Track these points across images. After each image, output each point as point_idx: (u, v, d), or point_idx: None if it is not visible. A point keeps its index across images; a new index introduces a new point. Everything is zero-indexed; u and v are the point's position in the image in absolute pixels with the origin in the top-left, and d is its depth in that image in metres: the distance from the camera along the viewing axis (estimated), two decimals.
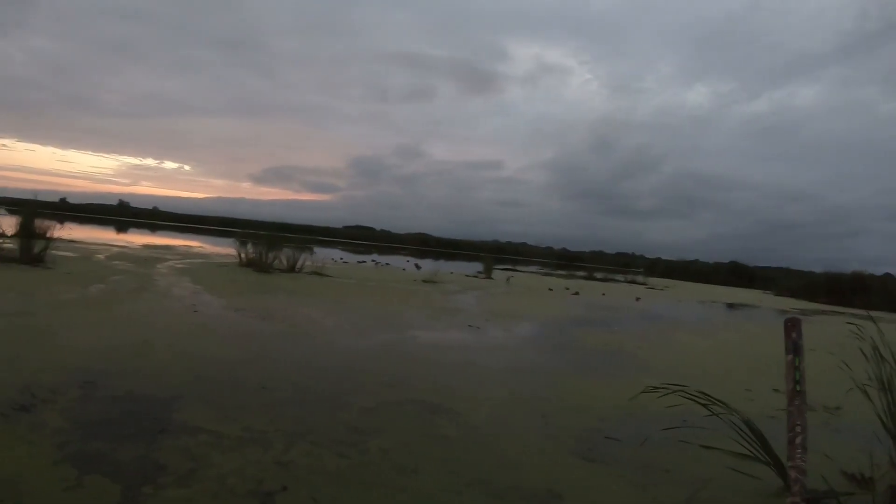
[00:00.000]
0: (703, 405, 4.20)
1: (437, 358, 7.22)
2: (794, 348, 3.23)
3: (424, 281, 19.17)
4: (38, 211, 13.43)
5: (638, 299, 21.92)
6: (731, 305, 24.18)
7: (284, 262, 17.08)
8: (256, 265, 16.42)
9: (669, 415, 4.91)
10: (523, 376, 6.74)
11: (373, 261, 30.48)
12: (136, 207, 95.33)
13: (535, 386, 6.28)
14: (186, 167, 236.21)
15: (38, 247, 12.36)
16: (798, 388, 3.20)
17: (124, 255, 17.87)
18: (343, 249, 44.43)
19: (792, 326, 3.24)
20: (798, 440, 3.09)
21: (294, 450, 3.73)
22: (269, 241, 17.64)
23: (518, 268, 42.83)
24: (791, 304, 27.77)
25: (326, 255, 25.10)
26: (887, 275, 34.63)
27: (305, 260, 17.83)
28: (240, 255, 17.19)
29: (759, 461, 4.06)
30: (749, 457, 4.14)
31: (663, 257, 64.90)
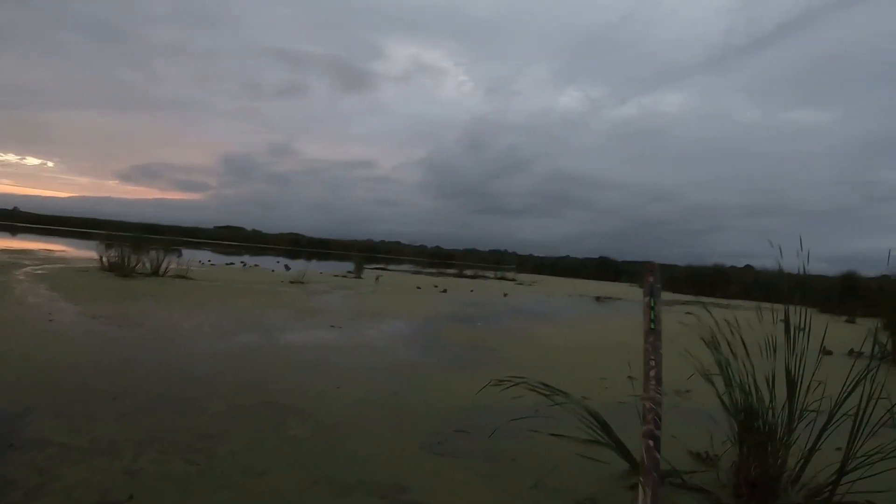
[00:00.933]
0: (545, 395, 4.35)
1: (296, 359, 7.19)
2: (651, 291, 3.46)
3: (292, 282, 18.89)
4: None
5: (506, 295, 22.42)
6: (597, 298, 24.96)
7: (148, 265, 16.44)
8: (118, 269, 15.64)
9: (521, 407, 5.06)
10: (381, 374, 6.82)
11: (241, 262, 29.66)
12: None
13: (393, 383, 6.38)
14: (50, 164, 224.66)
15: None
16: (653, 326, 3.45)
17: None
18: (212, 251, 43.15)
19: (649, 272, 3.45)
20: (652, 374, 3.36)
21: (142, 458, 3.68)
22: (133, 243, 16.94)
23: (390, 267, 42.90)
24: None
25: (194, 258, 24.42)
26: (748, 266, 36.65)
27: (170, 263, 17.24)
28: (101, 258, 16.39)
29: (604, 446, 4.23)
30: (595, 442, 4.37)
31: (535, 254, 66.39)
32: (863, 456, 3.63)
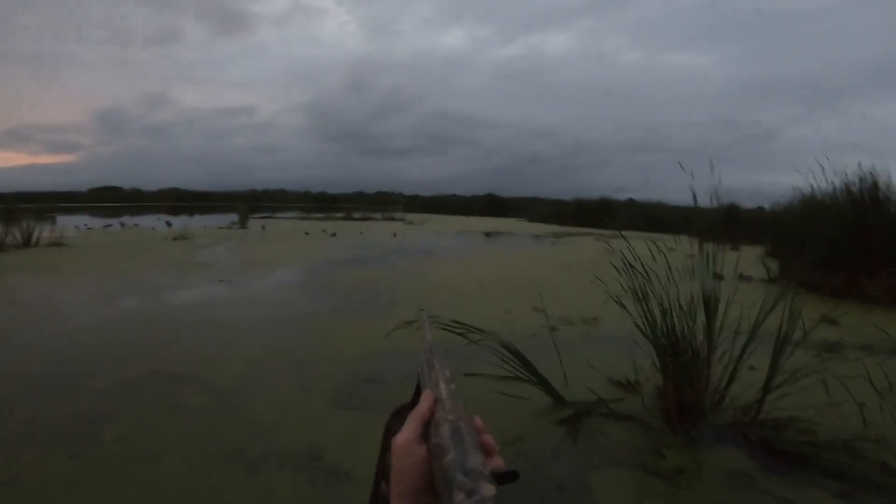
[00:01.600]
0: (460, 334, 4.10)
1: (184, 319, 6.73)
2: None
3: (175, 239, 17.96)
4: None
5: (395, 235, 22.15)
6: (488, 234, 24.97)
7: (18, 237, 15.20)
8: None
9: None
10: (277, 327, 6.48)
11: (120, 223, 28.16)
12: None
13: (290, 336, 6.06)
14: None
15: None
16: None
17: None
18: (91, 215, 40.91)
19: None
20: None
21: (21, 458, 3.25)
22: (2, 214, 15.72)
23: (276, 215, 41.78)
24: (545, 229, 29.27)
25: (71, 223, 23.04)
26: (630, 199, 37.64)
27: (42, 231, 16.00)
28: None
29: (523, 381, 4.05)
30: (515, 378, 4.25)
31: (421, 194, 66.14)
32: (785, 373, 3.68)
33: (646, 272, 4.15)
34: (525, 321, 6.72)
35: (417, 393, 0.87)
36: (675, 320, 3.91)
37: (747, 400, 3.85)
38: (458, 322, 4.18)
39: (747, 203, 21.06)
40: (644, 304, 4.06)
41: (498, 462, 0.66)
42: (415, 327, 4.26)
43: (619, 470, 3.26)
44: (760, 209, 19.74)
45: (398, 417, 0.82)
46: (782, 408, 3.71)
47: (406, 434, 0.71)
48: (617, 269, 4.24)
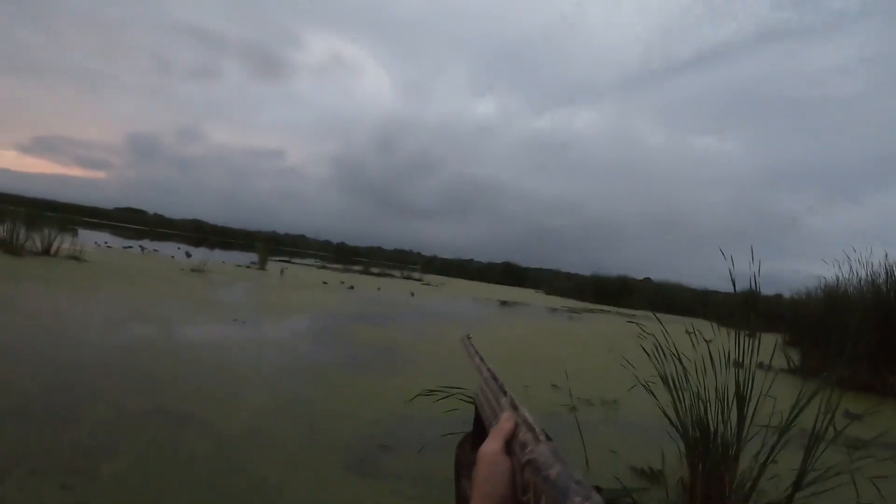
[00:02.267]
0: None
1: (194, 357, 6.50)
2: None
3: (193, 270, 17.86)
4: None
5: (413, 295, 21.94)
6: (504, 303, 24.89)
7: (39, 244, 15.24)
8: (6, 247, 14.43)
9: (448, 418, 4.65)
10: (289, 376, 6.26)
11: (140, 246, 28.11)
12: None
13: (302, 387, 5.84)
14: None
15: None
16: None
17: None
18: (112, 233, 41.07)
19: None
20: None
21: (7, 482, 3.04)
22: (26, 219, 15.68)
23: (294, 260, 41.76)
24: (561, 302, 29.19)
25: (91, 239, 23.11)
26: (647, 279, 37.61)
27: (63, 243, 15.99)
28: None
29: None
30: None
31: (439, 255, 66.16)
32: (816, 471, 3.50)
33: (677, 356, 4.06)
34: (543, 398, 6.51)
35: (478, 421, 0.95)
36: (705, 410, 3.78)
37: (775, 497, 3.68)
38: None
39: (766, 290, 21.02)
40: (675, 391, 3.95)
41: None
42: (436, 396, 4.14)
43: None
44: (779, 296, 19.70)
45: (463, 447, 0.93)
46: None
47: (493, 445, 0.75)
48: (646, 351, 4.08)
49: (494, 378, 0.96)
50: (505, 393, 0.91)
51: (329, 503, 3.31)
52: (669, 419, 3.95)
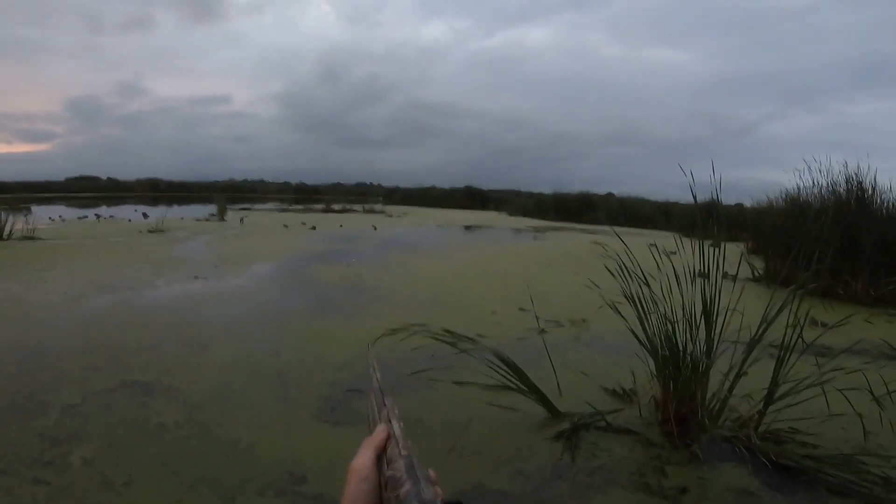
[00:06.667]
0: (450, 343, 3.94)
1: (156, 322, 6.40)
2: None
3: (150, 231, 17.51)
4: None
5: (375, 228, 21.78)
6: (468, 227, 24.75)
7: None
8: None
9: (415, 356, 4.63)
10: (254, 329, 6.24)
11: (96, 215, 27.46)
12: None
13: (268, 339, 5.82)
14: None
15: None
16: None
17: None
18: (68, 205, 39.98)
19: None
20: None
21: None
22: None
23: (255, 206, 41.24)
24: (525, 222, 29.11)
25: (46, 214, 22.56)
26: (609, 194, 37.56)
27: (14, 224, 15.24)
28: None
29: (514, 391, 3.90)
30: (505, 388, 4.07)
31: (400, 185, 65.68)
32: (787, 383, 3.55)
33: (641, 274, 4.04)
34: (512, 323, 6.57)
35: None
36: (673, 328, 3.77)
37: (745, 411, 3.74)
38: (448, 331, 4.02)
39: (726, 199, 21.12)
40: (641, 308, 3.94)
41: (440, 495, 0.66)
42: (401, 335, 4.08)
43: (622, 491, 3.10)
44: (740, 205, 19.83)
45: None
46: (782, 419, 3.59)
47: (363, 459, 0.74)
48: (611, 272, 4.11)
49: (380, 389, 0.97)
50: (385, 405, 0.90)
51: (303, 457, 3.32)
52: (638, 338, 3.95)
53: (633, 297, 3.99)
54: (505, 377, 4.01)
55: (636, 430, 3.81)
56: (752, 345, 3.70)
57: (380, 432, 0.79)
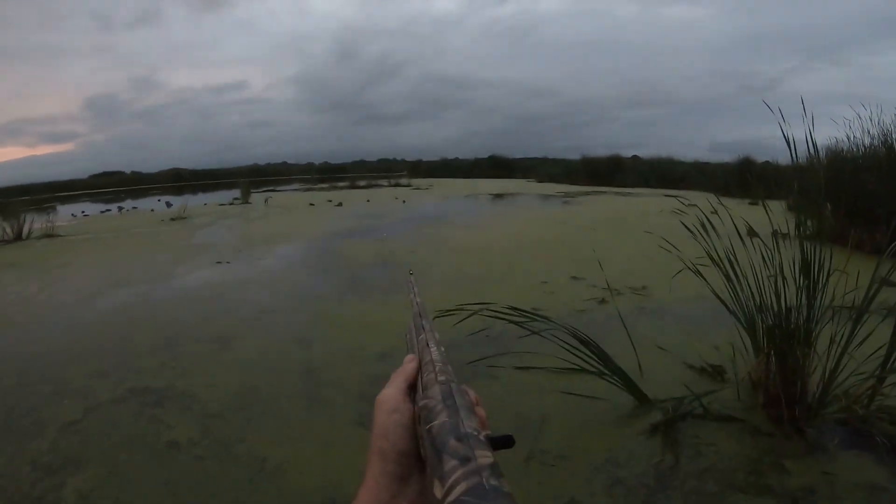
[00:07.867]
0: (517, 324, 3.34)
1: (173, 316, 5.89)
2: None
3: (172, 219, 17.16)
4: None
5: (403, 202, 21.26)
6: (498, 195, 24.13)
7: (9, 231, 14.43)
8: None
9: (473, 341, 4.06)
10: (280, 318, 5.67)
11: (119, 208, 27.24)
12: None
13: (295, 329, 5.24)
14: None
15: None
16: None
17: None
18: (93, 201, 40.07)
19: None
20: None
21: None
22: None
23: (280, 188, 40.93)
24: (555, 188, 28.37)
25: (69, 212, 22.48)
26: (635, 157, 36.85)
27: (34, 223, 15.12)
28: None
29: (589, 374, 3.36)
30: (577, 370, 3.46)
31: (423, 159, 65.21)
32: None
33: (714, 232, 3.44)
34: (566, 293, 5.93)
35: None
36: (773, 293, 3.15)
37: (851, 386, 3.09)
38: (514, 308, 3.41)
39: (757, 156, 20.48)
40: (732, 271, 3.33)
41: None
42: (458, 316, 3.49)
43: (744, 497, 2.49)
44: (767, 163, 18.74)
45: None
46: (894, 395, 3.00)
47: (391, 389, 0.64)
48: (689, 229, 3.53)
49: (420, 314, 0.86)
50: (424, 328, 0.79)
51: (346, 479, 2.70)
52: (727, 306, 3.34)
53: (717, 257, 3.38)
54: (581, 358, 3.38)
55: (738, 415, 3.20)
56: (861, 310, 3.04)
57: (408, 361, 0.69)
